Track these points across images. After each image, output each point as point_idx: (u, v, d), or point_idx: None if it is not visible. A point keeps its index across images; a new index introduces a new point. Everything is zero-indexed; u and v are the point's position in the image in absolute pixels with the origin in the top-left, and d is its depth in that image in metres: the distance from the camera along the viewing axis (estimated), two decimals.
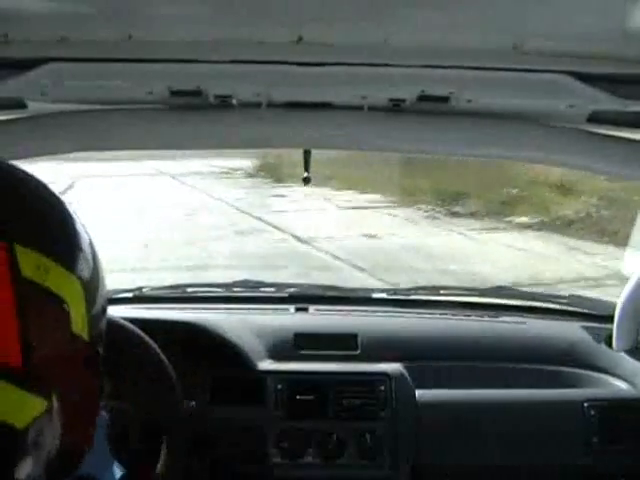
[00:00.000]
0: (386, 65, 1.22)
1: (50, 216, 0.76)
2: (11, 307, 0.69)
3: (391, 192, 13.63)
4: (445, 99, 1.32)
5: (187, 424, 1.89)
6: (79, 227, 0.78)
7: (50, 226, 0.75)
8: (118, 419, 1.75)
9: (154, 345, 1.88)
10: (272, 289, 2.57)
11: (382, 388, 2.09)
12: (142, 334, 1.89)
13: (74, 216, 0.78)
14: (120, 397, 1.78)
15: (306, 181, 1.63)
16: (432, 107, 1.37)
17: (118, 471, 1.65)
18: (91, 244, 0.79)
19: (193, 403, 1.98)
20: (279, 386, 2.09)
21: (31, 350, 0.70)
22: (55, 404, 0.73)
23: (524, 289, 2.71)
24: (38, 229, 0.73)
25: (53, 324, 0.72)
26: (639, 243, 2.50)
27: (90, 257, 0.78)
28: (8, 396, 0.70)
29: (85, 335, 0.75)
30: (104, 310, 0.80)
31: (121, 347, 1.88)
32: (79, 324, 0.74)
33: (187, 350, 2.08)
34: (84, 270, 0.76)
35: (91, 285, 0.76)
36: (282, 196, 14.12)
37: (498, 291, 2.63)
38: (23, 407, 0.71)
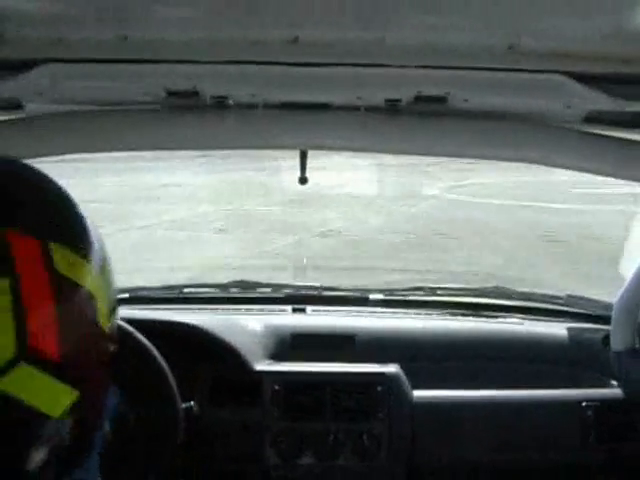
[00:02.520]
0: (382, 65, 1.22)
1: (74, 217, 0.81)
2: (50, 302, 0.74)
3: None
4: (442, 99, 1.32)
5: (185, 424, 1.89)
6: (94, 227, 0.83)
7: (75, 226, 0.80)
8: (117, 421, 1.74)
9: (151, 346, 1.88)
10: (269, 290, 2.56)
11: (379, 389, 2.09)
12: (139, 335, 1.89)
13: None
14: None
15: (302, 182, 1.63)
16: (429, 107, 1.37)
17: None
18: (103, 243, 0.84)
19: (192, 403, 1.98)
20: (276, 387, 2.09)
21: (67, 342, 0.75)
22: (83, 395, 0.78)
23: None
24: (66, 228, 0.78)
25: (85, 317, 0.77)
26: (635, 245, 2.50)
27: (105, 256, 0.83)
28: (44, 386, 0.74)
29: (107, 329, 0.81)
30: (116, 307, 0.85)
31: (118, 348, 1.88)
32: (103, 318, 0.80)
33: (184, 351, 2.07)
34: (103, 267, 0.81)
35: (109, 281, 0.82)
36: None
37: (495, 292, 2.63)
38: (58, 397, 0.75)
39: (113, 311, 0.83)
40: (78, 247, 0.77)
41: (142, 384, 1.87)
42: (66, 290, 0.75)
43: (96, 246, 0.81)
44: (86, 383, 0.78)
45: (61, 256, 0.75)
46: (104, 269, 0.81)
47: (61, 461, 0.80)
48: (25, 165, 0.82)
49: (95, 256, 0.80)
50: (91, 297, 0.78)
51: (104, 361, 0.82)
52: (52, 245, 0.75)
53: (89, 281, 0.77)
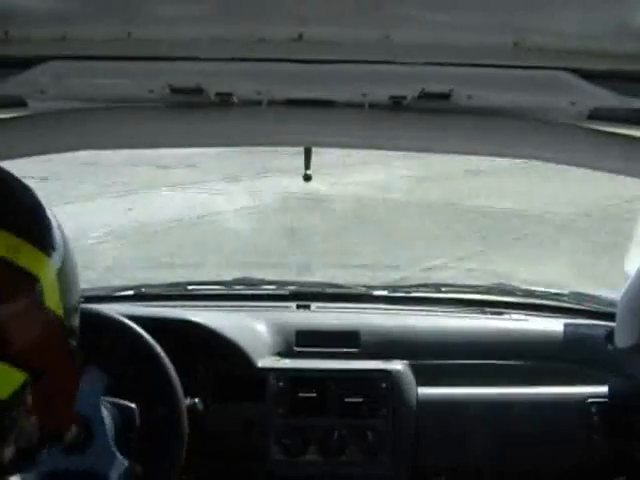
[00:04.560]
0: (387, 62, 1.22)
1: (19, 202, 0.82)
2: None
3: None
4: (446, 96, 1.32)
5: (188, 420, 1.89)
6: (47, 212, 0.84)
7: (19, 210, 0.81)
8: (121, 416, 1.75)
9: (155, 343, 1.89)
10: (273, 287, 2.57)
11: (383, 385, 2.09)
12: (143, 332, 1.89)
13: (42, 203, 0.84)
14: (123, 394, 1.79)
15: (307, 178, 1.63)
16: (433, 104, 1.37)
17: (122, 463, 1.66)
18: (60, 227, 0.85)
19: (196, 400, 1.98)
20: (280, 383, 2.09)
21: (8, 324, 0.75)
22: (35, 378, 0.78)
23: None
24: (7, 213, 0.79)
25: (27, 299, 0.78)
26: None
27: (59, 238, 0.84)
28: None
29: (60, 311, 0.81)
30: (77, 287, 0.86)
31: (123, 345, 1.89)
32: (53, 299, 0.80)
33: (188, 348, 2.08)
34: (54, 249, 0.82)
35: (63, 263, 0.82)
36: None
37: (500, 288, 2.63)
38: (4, 379, 0.76)
39: (69, 293, 0.83)
40: (18, 230, 0.78)
41: (145, 381, 1.87)
42: (4, 273, 0.76)
43: (56, 241, 0.82)
44: (40, 368, 0.79)
45: (6, 243, 0.76)
46: (54, 250, 0.82)
47: (28, 451, 0.81)
48: None
49: (40, 238, 0.80)
50: (34, 278, 0.78)
51: (60, 343, 0.83)
52: None
53: (32, 263, 0.78)
